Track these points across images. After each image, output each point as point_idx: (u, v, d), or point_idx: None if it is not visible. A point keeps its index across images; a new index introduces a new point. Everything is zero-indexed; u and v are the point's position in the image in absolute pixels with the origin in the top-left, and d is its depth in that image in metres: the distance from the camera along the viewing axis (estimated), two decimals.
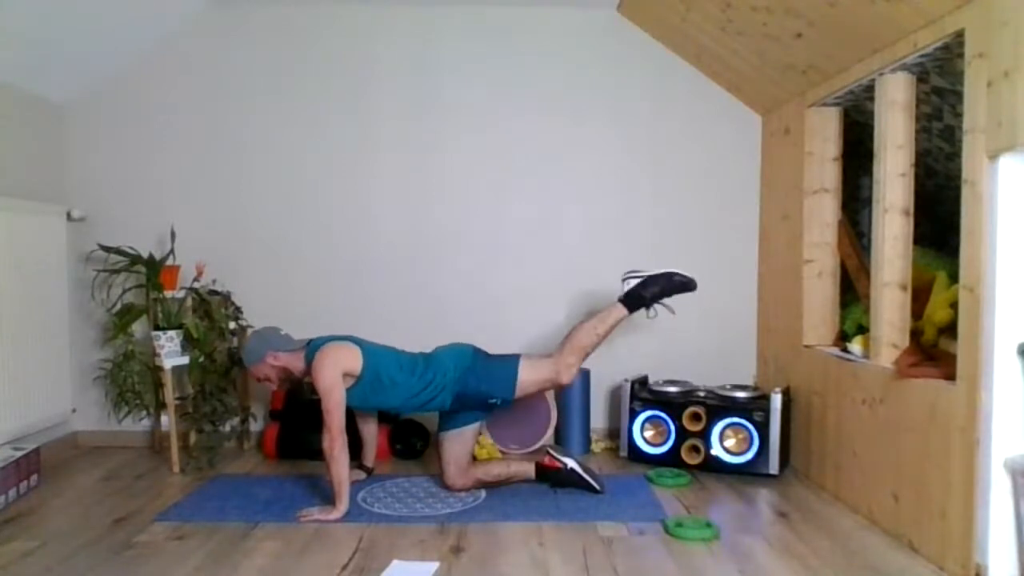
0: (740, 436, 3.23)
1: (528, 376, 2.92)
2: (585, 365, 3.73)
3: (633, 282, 3.04)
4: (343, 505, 2.71)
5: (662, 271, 3.04)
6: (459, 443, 2.97)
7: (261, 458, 3.52)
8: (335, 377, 2.76)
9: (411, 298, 3.79)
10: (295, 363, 2.92)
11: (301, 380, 3.03)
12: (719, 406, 3.26)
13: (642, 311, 3.04)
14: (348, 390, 2.81)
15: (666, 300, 3.04)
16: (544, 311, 3.81)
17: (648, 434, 3.41)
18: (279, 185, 3.77)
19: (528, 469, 3.03)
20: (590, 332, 2.99)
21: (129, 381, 3.42)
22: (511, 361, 2.95)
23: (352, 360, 2.83)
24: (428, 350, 3.03)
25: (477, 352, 3.00)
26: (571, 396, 3.64)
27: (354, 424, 3.13)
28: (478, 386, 2.90)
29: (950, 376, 2.29)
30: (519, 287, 3.81)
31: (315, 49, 3.75)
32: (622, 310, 3.02)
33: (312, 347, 2.89)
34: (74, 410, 3.63)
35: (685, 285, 3.03)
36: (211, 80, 3.74)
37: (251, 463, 3.44)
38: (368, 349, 2.88)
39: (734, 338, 3.84)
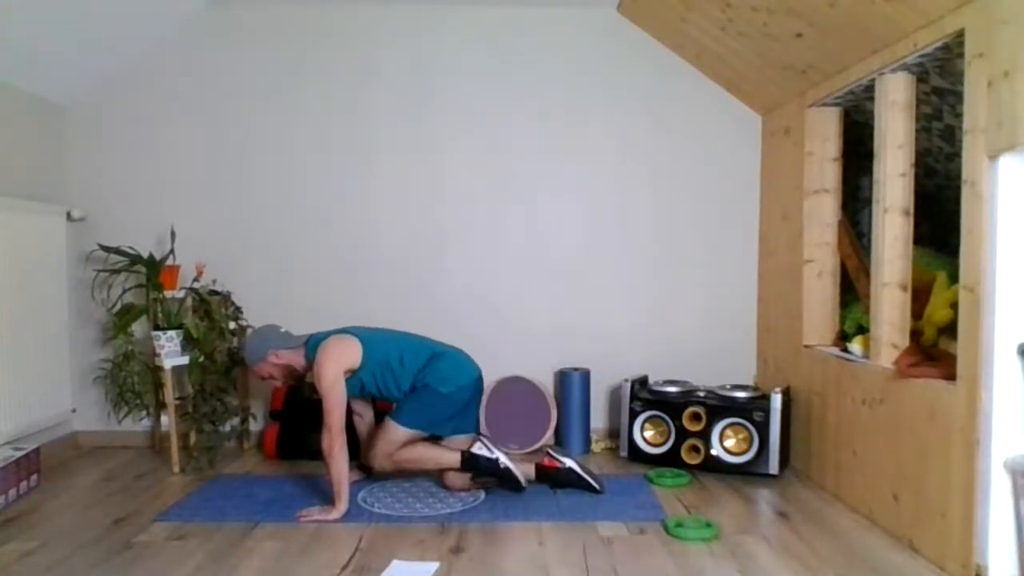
0: (740, 436, 3.23)
1: (392, 433, 2.86)
2: (585, 365, 3.76)
3: (485, 452, 2.91)
4: (343, 505, 2.71)
5: (504, 467, 2.90)
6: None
7: (261, 458, 3.52)
8: (337, 375, 2.77)
9: (410, 298, 3.79)
10: (297, 360, 2.94)
11: (303, 376, 3.04)
12: (719, 406, 3.26)
13: (469, 474, 2.97)
14: (348, 380, 2.83)
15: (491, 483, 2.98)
16: (543, 310, 3.81)
17: (648, 434, 3.40)
18: (279, 185, 3.77)
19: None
20: (420, 459, 2.91)
21: (129, 381, 3.42)
22: (433, 417, 2.92)
23: (353, 354, 2.85)
24: (446, 344, 3.07)
25: (472, 385, 2.99)
26: (571, 396, 3.64)
27: (353, 424, 3.13)
28: (414, 399, 2.90)
29: (950, 376, 2.29)
30: (518, 286, 3.81)
31: (315, 49, 3.75)
32: (455, 462, 2.91)
33: (312, 343, 2.90)
34: (74, 410, 3.63)
35: (514, 486, 2.92)
36: (211, 80, 3.74)
37: (251, 463, 3.44)
38: (368, 340, 2.90)
39: (734, 338, 3.84)
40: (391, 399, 2.99)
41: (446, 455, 2.93)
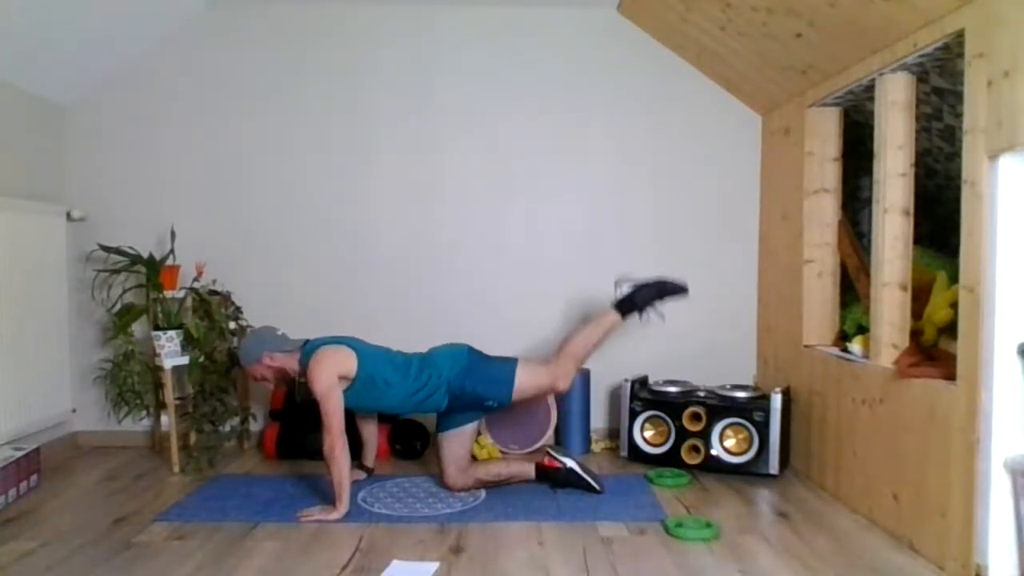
0: (740, 436, 3.23)
1: (525, 381, 2.92)
2: (585, 365, 3.74)
3: (626, 288, 3.08)
4: (343, 505, 2.71)
5: (654, 277, 3.09)
6: (458, 443, 2.97)
7: (261, 458, 3.52)
8: (331, 380, 2.76)
9: (411, 298, 3.79)
10: (291, 364, 2.92)
11: (295, 380, 3.03)
12: (719, 406, 3.26)
13: (634, 316, 3.07)
14: (344, 392, 2.81)
15: (658, 305, 3.08)
16: (543, 311, 3.81)
17: (648, 434, 3.41)
18: (279, 185, 3.77)
19: (528, 469, 3.03)
20: (585, 339, 3.02)
21: (129, 381, 3.42)
22: (508, 364, 2.95)
23: (347, 363, 2.82)
24: (424, 351, 3.03)
25: (473, 352, 2.99)
26: (571, 396, 3.63)
27: (354, 424, 3.13)
28: (474, 388, 2.89)
29: (950, 376, 2.29)
30: (518, 287, 3.81)
31: (315, 49, 3.75)
32: (615, 316, 3.05)
33: (307, 349, 2.89)
34: (74, 410, 3.63)
35: (676, 290, 3.08)
36: (211, 80, 3.74)
37: (251, 463, 3.44)
38: (362, 351, 2.88)
39: (734, 338, 3.84)
40: (392, 411, 2.96)
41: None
